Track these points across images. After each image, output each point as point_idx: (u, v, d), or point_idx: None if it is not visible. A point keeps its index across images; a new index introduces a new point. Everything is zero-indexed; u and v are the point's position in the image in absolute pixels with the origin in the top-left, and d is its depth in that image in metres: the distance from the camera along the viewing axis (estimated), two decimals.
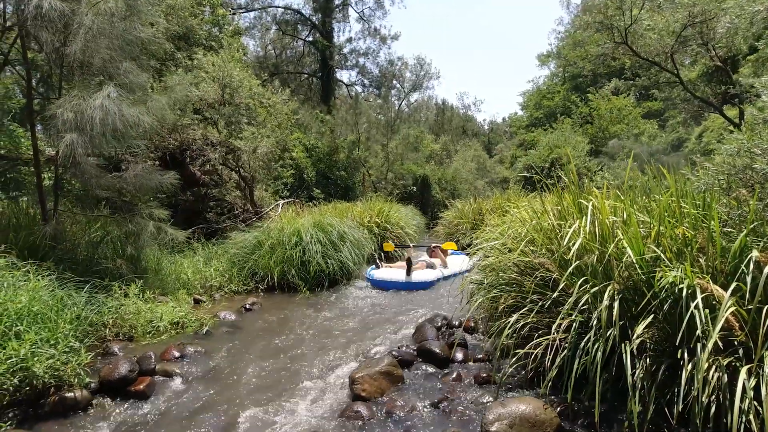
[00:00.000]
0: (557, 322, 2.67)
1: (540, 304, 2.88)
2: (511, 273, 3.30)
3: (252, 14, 23.45)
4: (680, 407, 2.23)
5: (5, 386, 2.55)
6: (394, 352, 3.37)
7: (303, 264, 6.05)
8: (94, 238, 5.08)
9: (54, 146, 4.47)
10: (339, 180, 14.13)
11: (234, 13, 19.79)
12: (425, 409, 2.76)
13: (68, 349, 2.92)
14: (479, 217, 8.97)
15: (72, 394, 2.79)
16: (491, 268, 3.55)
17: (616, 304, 2.47)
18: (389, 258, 8.07)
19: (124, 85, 4.11)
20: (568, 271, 2.74)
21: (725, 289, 2.28)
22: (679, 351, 2.35)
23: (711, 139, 11.64)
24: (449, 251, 7.54)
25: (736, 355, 2.25)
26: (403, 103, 25.44)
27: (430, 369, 3.30)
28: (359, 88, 25.96)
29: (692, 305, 2.25)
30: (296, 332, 4.37)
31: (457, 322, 4.04)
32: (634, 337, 2.43)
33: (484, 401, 2.81)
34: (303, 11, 23.85)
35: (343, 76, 29.02)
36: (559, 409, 2.61)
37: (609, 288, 2.55)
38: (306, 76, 25.52)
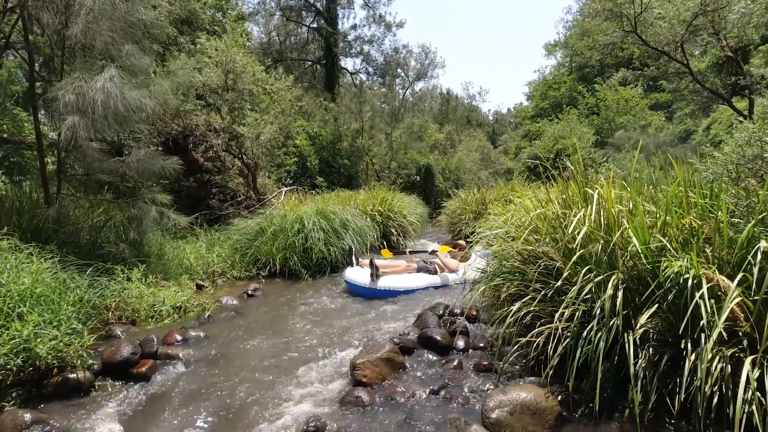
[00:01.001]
0: (560, 310, 2.65)
1: (543, 293, 2.87)
2: (514, 261, 3.28)
3: None
4: (682, 397, 2.23)
5: (9, 366, 2.57)
6: (395, 339, 3.37)
7: (305, 251, 6.05)
8: (97, 223, 5.09)
9: (56, 129, 4.46)
10: (342, 168, 14.08)
11: None
12: (426, 396, 2.77)
13: (71, 331, 2.93)
14: (482, 207, 8.92)
15: (75, 375, 2.81)
16: (494, 256, 3.53)
17: (619, 294, 2.45)
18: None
19: (126, 68, 4.07)
20: (572, 260, 2.71)
21: (731, 279, 2.26)
22: (683, 341, 2.34)
23: (719, 131, 11.50)
24: (447, 254, 6.04)
25: (741, 346, 2.23)
26: (407, 92, 25.21)
27: (432, 356, 3.30)
28: (363, 77, 25.75)
29: (697, 295, 2.23)
30: (298, 318, 4.38)
31: (458, 311, 4.03)
32: (638, 326, 2.41)
33: (485, 389, 2.81)
34: None
35: (348, 63, 28.72)
36: (560, 397, 2.60)
37: (613, 277, 2.53)
38: (310, 63, 25.30)
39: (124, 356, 3.05)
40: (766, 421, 2.02)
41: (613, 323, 2.43)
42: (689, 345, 2.29)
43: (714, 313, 2.18)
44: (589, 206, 2.85)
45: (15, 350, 2.61)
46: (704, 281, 2.25)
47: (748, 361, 2.04)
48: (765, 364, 2.08)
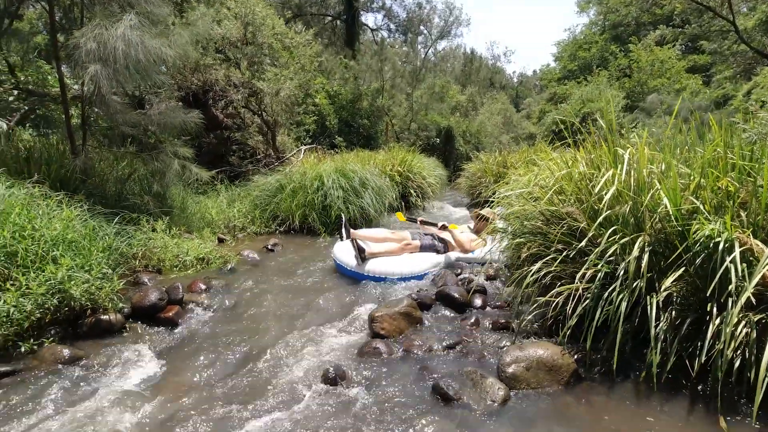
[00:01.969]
0: (581, 271, 2.62)
1: (564, 253, 2.83)
2: (536, 222, 3.23)
3: None
4: (702, 360, 2.22)
5: (46, 305, 2.70)
6: (413, 295, 3.41)
7: (324, 208, 6.09)
8: (122, 175, 5.18)
9: (79, 79, 4.47)
10: (361, 128, 13.88)
11: None
12: (442, 350, 2.82)
13: (101, 276, 3.06)
14: (503, 170, 8.75)
15: (107, 317, 2.95)
16: (515, 216, 3.48)
17: (645, 256, 2.41)
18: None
19: (146, 15, 3.99)
20: (598, 220, 2.65)
21: (766, 245, 2.18)
22: (708, 305, 2.30)
23: (761, 96, 10.83)
24: (464, 229, 5.20)
25: None
26: (429, 51, 24.34)
27: (449, 313, 3.35)
28: (385, 33, 24.88)
29: (728, 259, 2.17)
30: (316, 273, 4.47)
31: (477, 269, 4.03)
32: (662, 289, 2.38)
33: (502, 345, 2.85)
34: None
35: (369, 20, 27.71)
36: (576, 356, 2.62)
37: (639, 239, 2.47)
38: (330, 18, 24.48)
39: (153, 301, 3.18)
40: None
41: (637, 285, 2.40)
42: (715, 309, 2.25)
43: (745, 277, 2.12)
44: (620, 166, 2.75)
45: (51, 291, 2.74)
46: (737, 245, 2.18)
47: None
48: None
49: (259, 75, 8.24)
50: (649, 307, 2.36)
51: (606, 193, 2.63)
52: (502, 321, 3.10)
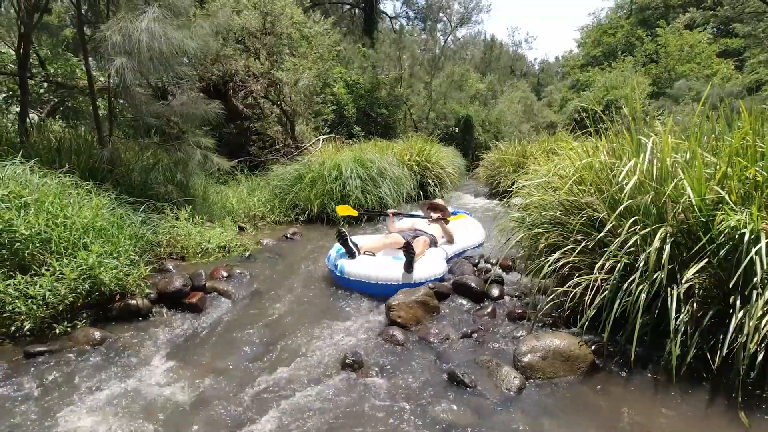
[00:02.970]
0: (600, 262, 2.60)
1: (583, 244, 2.80)
2: (555, 212, 3.20)
3: None
4: (724, 353, 2.19)
5: (78, 290, 2.83)
6: (430, 284, 3.44)
7: (342, 198, 6.14)
8: (147, 165, 5.33)
9: (105, 71, 4.59)
10: (380, 118, 13.83)
11: None
12: (458, 339, 2.85)
13: (129, 262, 3.17)
14: (523, 160, 8.64)
15: (135, 301, 3.08)
16: (534, 206, 3.46)
17: (667, 247, 2.37)
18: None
19: (168, 8, 4.06)
20: (618, 210, 2.61)
21: None
22: (731, 297, 2.26)
23: None
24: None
25: None
26: (449, 38, 23.95)
27: (465, 303, 3.36)
28: (404, 21, 24.57)
29: (753, 251, 2.12)
30: None
31: (494, 260, 4.03)
32: (683, 281, 2.34)
33: (518, 335, 2.86)
34: None
35: (387, 7, 27.46)
36: (593, 347, 2.62)
37: (661, 230, 2.43)
38: (348, 7, 24.30)
39: (177, 287, 3.29)
40: None
41: (657, 277, 2.37)
42: (738, 302, 2.21)
43: None
44: (642, 155, 2.70)
45: (82, 276, 2.87)
46: (763, 236, 2.13)
47: None
48: None
49: (278, 65, 8.29)
50: (669, 299, 2.34)
51: (627, 183, 2.58)
52: (519, 311, 3.10)
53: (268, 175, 6.99)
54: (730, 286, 2.25)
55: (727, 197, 2.35)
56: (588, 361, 2.46)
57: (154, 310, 3.19)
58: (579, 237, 2.87)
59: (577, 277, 2.73)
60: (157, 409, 2.15)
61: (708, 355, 2.31)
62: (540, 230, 3.22)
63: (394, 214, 4.79)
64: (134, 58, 3.76)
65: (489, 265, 3.97)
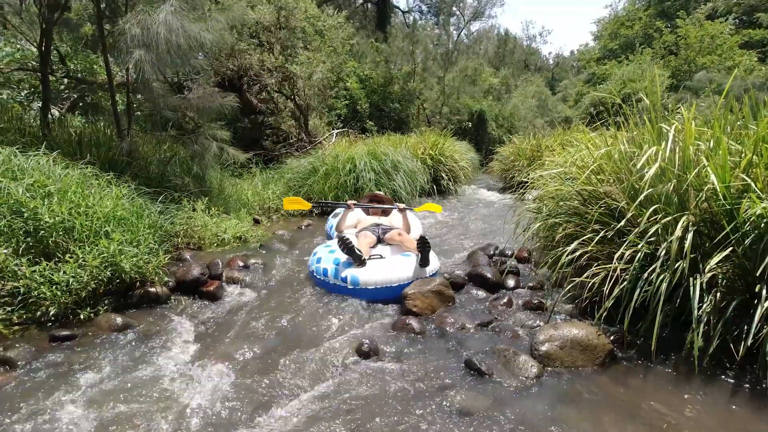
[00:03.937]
0: (620, 251, 2.56)
1: (602, 234, 2.76)
2: (573, 202, 3.16)
3: None
4: (748, 344, 2.14)
5: (100, 277, 2.89)
6: (445, 274, 3.43)
7: (356, 190, 6.15)
8: (164, 158, 5.41)
9: (123, 66, 4.66)
10: (392, 112, 13.80)
11: None
12: (474, 328, 2.84)
13: (148, 250, 3.23)
14: (537, 154, 8.54)
15: (154, 289, 3.14)
16: (550, 197, 3.42)
17: (689, 236, 2.32)
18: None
19: (185, 0, 4.10)
20: (638, 199, 2.57)
21: None
22: (757, 287, 2.21)
23: None
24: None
25: None
26: (462, 32, 23.73)
27: (481, 293, 3.35)
28: (417, 16, 24.41)
29: None
30: None
31: (510, 252, 4.00)
32: (706, 270, 2.30)
33: (535, 325, 2.84)
34: None
35: (400, 2, 27.30)
36: (612, 337, 2.59)
37: (683, 219, 2.38)
38: (361, 1, 24.24)
39: (195, 276, 3.34)
40: None
41: (679, 266, 2.32)
42: (764, 291, 2.16)
43: None
44: (663, 143, 2.64)
45: (104, 264, 2.93)
46: None
47: None
48: None
49: (292, 59, 8.33)
50: (691, 289, 2.29)
51: (648, 171, 2.53)
52: (536, 301, 3.08)
53: (282, 169, 7.05)
54: (756, 276, 2.20)
55: (753, 185, 2.29)
56: (606, 351, 2.43)
57: (172, 297, 3.25)
58: (597, 227, 2.83)
59: (595, 267, 2.69)
60: (180, 394, 2.19)
61: (732, 345, 2.26)
62: (557, 221, 3.18)
63: (355, 206, 4.32)
64: (152, 51, 3.81)
65: (504, 257, 3.94)
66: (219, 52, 7.13)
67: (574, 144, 4.52)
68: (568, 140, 6.45)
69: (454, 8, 23.20)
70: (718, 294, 2.33)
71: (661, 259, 2.41)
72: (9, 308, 2.66)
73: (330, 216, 5.00)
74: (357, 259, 3.37)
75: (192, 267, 3.43)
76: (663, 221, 2.45)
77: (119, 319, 2.79)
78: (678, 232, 2.33)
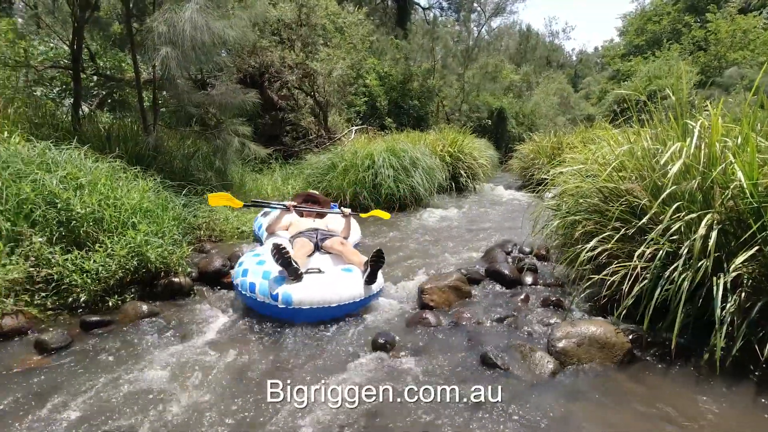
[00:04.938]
0: (641, 249, 2.52)
1: (622, 231, 2.73)
2: (593, 199, 3.12)
3: None
4: None
5: (127, 266, 3.01)
6: (462, 270, 3.44)
7: (375, 187, 6.20)
8: (188, 153, 5.56)
9: (150, 62, 4.80)
10: (412, 109, 13.79)
11: None
12: (491, 323, 2.84)
13: (173, 242, 3.34)
14: (558, 152, 8.42)
15: (178, 279, 3.24)
16: (570, 194, 3.38)
17: (713, 234, 2.27)
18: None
19: None
20: (661, 196, 2.52)
21: None
22: None
23: None
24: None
25: None
26: (483, 29, 23.46)
27: (498, 289, 3.34)
28: (437, 12, 24.28)
29: None
30: (368, 247, 4.58)
31: (528, 249, 3.98)
32: (731, 270, 2.24)
33: (552, 322, 2.82)
34: None
35: None
36: (631, 336, 2.55)
37: (707, 217, 2.33)
38: None
39: (217, 267, 3.44)
40: None
41: (702, 265, 2.28)
42: None
43: None
44: (688, 140, 2.59)
45: (131, 254, 3.04)
46: None
47: None
48: None
49: (312, 56, 8.41)
50: (715, 288, 2.25)
51: (672, 167, 2.49)
52: (553, 298, 3.06)
53: (302, 164, 7.14)
54: None
55: None
56: (625, 350, 2.40)
57: (195, 287, 3.35)
58: (617, 224, 2.79)
59: (615, 265, 2.66)
60: (202, 381, 2.26)
61: (756, 347, 2.21)
62: (577, 218, 3.15)
63: (294, 208, 3.81)
64: (178, 48, 3.92)
65: (522, 255, 3.92)
66: (241, 49, 7.26)
67: (596, 141, 4.46)
68: (590, 137, 6.35)
69: (474, 4, 22.95)
70: (743, 294, 2.28)
71: (683, 258, 2.36)
72: (44, 294, 2.79)
73: (260, 214, 4.43)
74: (293, 273, 2.84)
75: (214, 258, 3.52)
76: (686, 219, 2.41)
77: (145, 307, 2.90)
78: (702, 230, 2.29)
